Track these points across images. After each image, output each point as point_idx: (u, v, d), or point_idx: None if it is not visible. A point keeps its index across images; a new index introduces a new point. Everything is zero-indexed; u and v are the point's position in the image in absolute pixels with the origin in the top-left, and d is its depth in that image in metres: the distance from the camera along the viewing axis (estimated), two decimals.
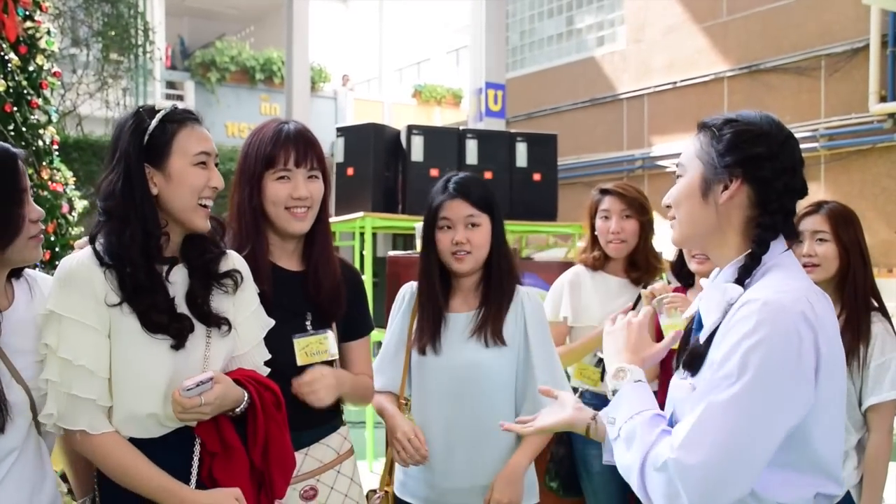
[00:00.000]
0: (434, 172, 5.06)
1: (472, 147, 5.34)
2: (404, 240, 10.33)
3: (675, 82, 10.02)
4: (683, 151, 1.45)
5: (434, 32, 18.33)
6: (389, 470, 2.25)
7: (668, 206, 1.47)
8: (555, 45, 12.03)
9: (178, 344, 1.52)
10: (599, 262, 2.76)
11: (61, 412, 1.48)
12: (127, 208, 1.52)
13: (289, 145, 1.85)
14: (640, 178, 10.22)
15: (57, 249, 4.78)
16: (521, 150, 5.49)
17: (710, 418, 1.22)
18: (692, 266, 2.52)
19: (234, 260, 1.71)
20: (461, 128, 5.67)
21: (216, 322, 1.60)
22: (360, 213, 4.80)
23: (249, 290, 1.72)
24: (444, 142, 5.26)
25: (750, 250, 1.35)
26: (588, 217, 2.80)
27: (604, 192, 2.76)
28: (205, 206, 1.59)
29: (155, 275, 1.53)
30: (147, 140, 1.54)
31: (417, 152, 5.17)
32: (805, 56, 8.54)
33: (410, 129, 5.16)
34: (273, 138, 1.86)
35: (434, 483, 2.11)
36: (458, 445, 2.07)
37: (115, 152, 1.56)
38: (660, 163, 9.94)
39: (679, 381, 1.38)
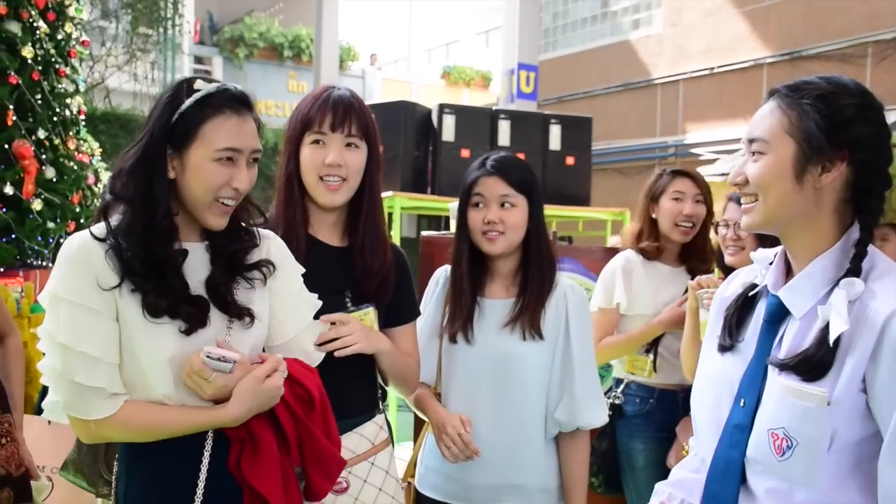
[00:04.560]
0: (465, 153, 4.93)
1: (504, 128, 5.19)
2: (428, 221, 10.23)
3: (713, 68, 9.80)
4: (759, 123, 1.29)
5: (464, 13, 18.12)
6: (416, 460, 2.14)
7: (738, 185, 1.33)
8: (589, 27, 11.81)
9: (190, 329, 1.38)
10: (656, 252, 2.62)
11: (68, 401, 1.37)
12: (136, 188, 1.39)
13: (326, 107, 1.72)
14: (672, 165, 10.01)
15: (82, 220, 4.72)
16: (555, 132, 5.34)
17: None
18: (726, 258, 2.40)
19: (270, 244, 1.56)
20: (494, 108, 5.53)
21: (237, 313, 1.45)
22: (389, 193, 4.68)
23: (290, 271, 1.57)
24: (477, 122, 5.11)
25: (859, 239, 1.23)
26: (645, 201, 2.65)
27: (676, 173, 2.63)
28: (224, 205, 1.43)
29: (160, 259, 1.39)
30: (176, 119, 1.39)
31: (449, 132, 5.04)
32: (851, 43, 8.29)
33: (442, 108, 5.02)
34: (314, 100, 1.74)
35: (458, 478, 1.98)
36: (486, 440, 1.93)
37: (147, 124, 1.43)
38: (694, 150, 9.73)
39: (792, 384, 1.21)
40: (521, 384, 1.95)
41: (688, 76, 10.14)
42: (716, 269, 2.49)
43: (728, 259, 2.40)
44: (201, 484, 1.39)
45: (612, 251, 2.91)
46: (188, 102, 1.39)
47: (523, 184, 1.97)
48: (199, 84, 1.43)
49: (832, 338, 1.17)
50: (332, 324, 1.68)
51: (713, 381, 1.39)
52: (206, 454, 1.40)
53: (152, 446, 1.40)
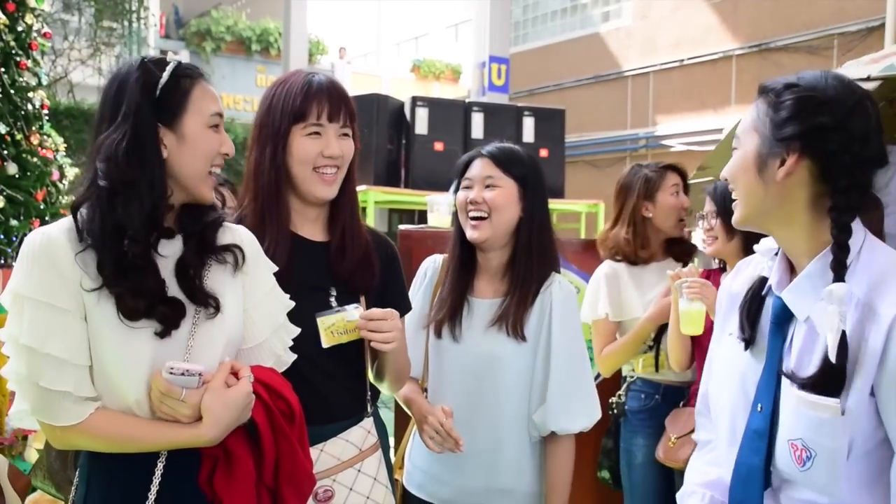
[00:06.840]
0: (438, 146, 4.89)
1: (477, 120, 5.16)
2: (400, 216, 10.16)
3: (682, 60, 9.85)
4: (742, 119, 1.31)
5: (433, 6, 18.04)
6: (403, 455, 2.10)
7: (727, 180, 1.34)
8: (559, 20, 11.81)
9: (165, 331, 1.30)
10: (642, 256, 2.57)
11: (35, 406, 1.29)
12: (134, 173, 1.31)
13: (322, 97, 1.64)
14: (643, 157, 10.06)
15: (47, 218, 4.59)
16: (529, 124, 5.33)
17: None
18: (706, 249, 2.42)
19: (239, 234, 1.48)
20: (467, 100, 5.50)
21: (202, 300, 1.35)
22: (364, 187, 4.63)
23: (261, 269, 1.49)
24: (450, 114, 5.07)
25: (833, 240, 1.19)
26: (635, 200, 2.57)
27: (668, 167, 2.61)
28: (214, 174, 1.41)
29: (148, 253, 1.32)
30: (161, 94, 1.34)
31: (422, 125, 4.99)
32: (817, 35, 8.38)
33: (415, 101, 4.98)
34: (304, 89, 1.65)
35: (445, 479, 1.93)
36: (472, 442, 1.84)
37: (119, 108, 1.33)
38: (664, 142, 9.78)
39: (805, 396, 1.19)
40: (503, 386, 1.89)
41: (658, 68, 10.18)
42: (696, 259, 2.48)
43: (707, 251, 2.40)
44: (152, 497, 1.31)
45: (591, 242, 2.88)
46: (166, 75, 1.34)
47: (511, 166, 1.90)
48: (171, 56, 1.42)
49: (832, 356, 1.14)
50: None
51: (730, 376, 1.36)
52: (160, 466, 1.32)
53: (113, 456, 1.33)
